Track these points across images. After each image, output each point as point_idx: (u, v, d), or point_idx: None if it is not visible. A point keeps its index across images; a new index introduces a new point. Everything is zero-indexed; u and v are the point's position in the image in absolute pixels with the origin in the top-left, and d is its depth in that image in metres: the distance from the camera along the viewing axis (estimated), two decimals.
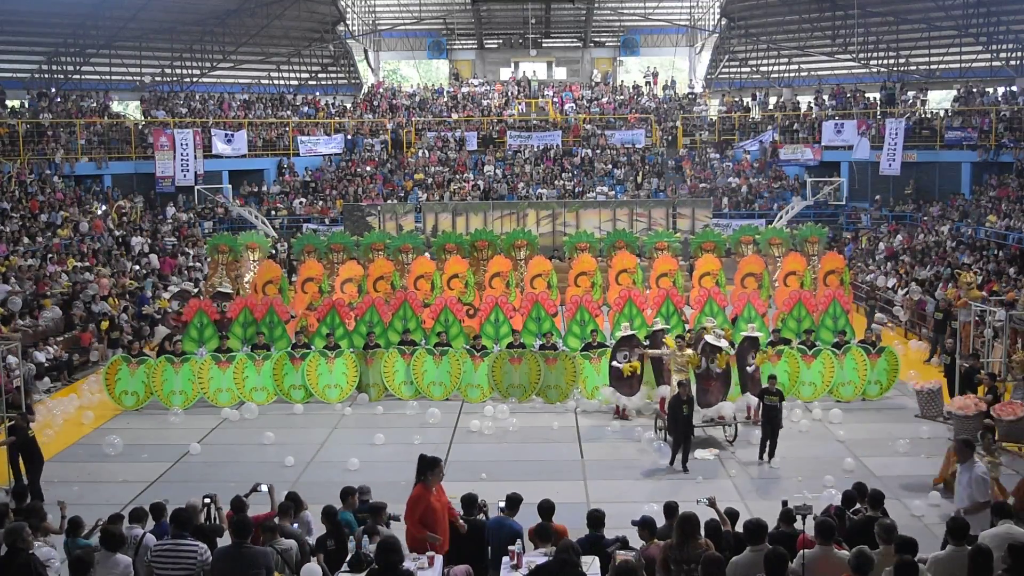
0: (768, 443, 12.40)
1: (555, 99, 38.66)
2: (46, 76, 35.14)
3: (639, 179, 32.70)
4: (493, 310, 17.24)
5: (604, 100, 38.96)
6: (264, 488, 8.61)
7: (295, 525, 8.22)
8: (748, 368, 14.03)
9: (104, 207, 27.22)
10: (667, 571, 6.74)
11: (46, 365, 17.00)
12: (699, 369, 13.41)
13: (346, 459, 12.51)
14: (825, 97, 36.05)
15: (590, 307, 17.23)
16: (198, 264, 25.12)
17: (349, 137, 35.95)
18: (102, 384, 15.89)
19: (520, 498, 8.10)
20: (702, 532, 6.93)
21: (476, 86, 40.67)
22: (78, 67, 35.66)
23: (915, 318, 20.45)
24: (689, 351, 13.59)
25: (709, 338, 13.55)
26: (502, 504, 8.10)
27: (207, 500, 8.47)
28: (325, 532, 8.04)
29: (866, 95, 35.46)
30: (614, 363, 14.62)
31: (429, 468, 7.65)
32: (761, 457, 12.42)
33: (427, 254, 20.28)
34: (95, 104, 33.93)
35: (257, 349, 16.35)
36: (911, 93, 34.43)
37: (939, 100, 36.94)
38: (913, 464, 12.29)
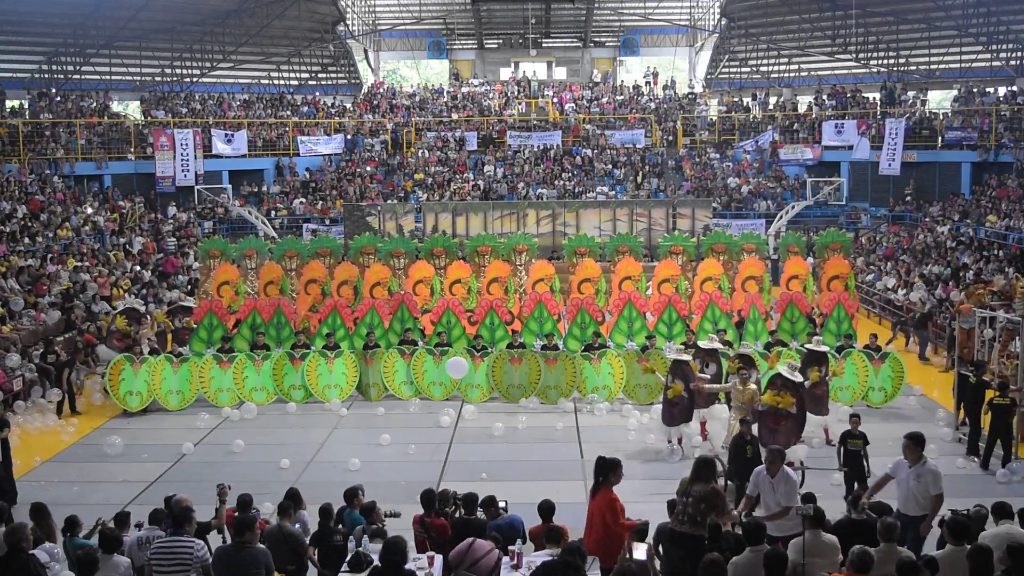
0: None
1: (555, 99, 38.66)
2: (46, 76, 35.14)
3: (639, 179, 32.70)
4: (488, 314, 17.18)
5: (604, 100, 38.95)
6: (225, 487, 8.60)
7: (297, 525, 8.23)
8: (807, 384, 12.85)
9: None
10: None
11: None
12: (763, 407, 11.87)
13: (346, 459, 12.52)
14: (825, 97, 36.05)
15: (591, 310, 17.21)
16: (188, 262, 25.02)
17: (349, 137, 35.94)
18: (107, 385, 15.80)
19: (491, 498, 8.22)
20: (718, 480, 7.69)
21: (476, 86, 40.66)
22: (78, 67, 35.66)
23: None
24: (752, 386, 12.14)
25: (783, 370, 12.08)
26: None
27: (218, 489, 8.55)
28: (319, 529, 8.08)
29: (866, 95, 35.46)
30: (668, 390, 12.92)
31: (611, 469, 7.76)
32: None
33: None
34: (95, 104, 33.94)
35: (257, 349, 16.37)
36: (911, 93, 34.42)
37: (939, 100, 36.94)
38: None
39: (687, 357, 13.26)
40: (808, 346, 13.96)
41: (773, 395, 11.85)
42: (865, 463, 10.75)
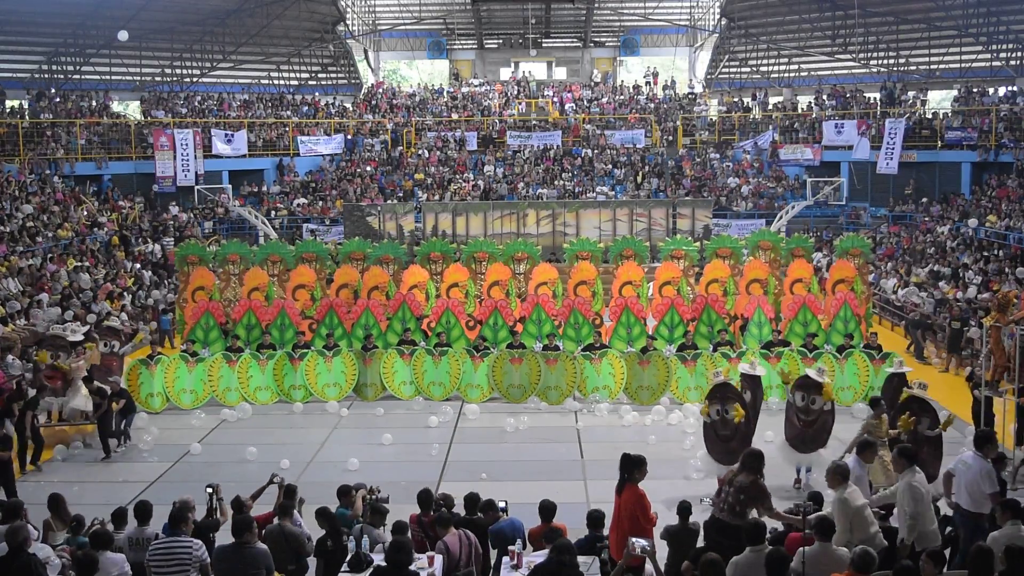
0: None
1: (555, 99, 38.65)
2: (46, 76, 35.13)
3: (639, 179, 32.69)
4: (492, 314, 17.13)
5: (604, 100, 38.95)
6: (279, 480, 8.82)
7: (299, 524, 8.22)
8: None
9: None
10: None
11: None
12: (905, 435, 10.08)
13: (346, 459, 12.52)
14: (825, 97, 36.05)
15: (584, 310, 17.18)
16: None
17: (349, 137, 35.93)
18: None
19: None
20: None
21: (476, 86, 40.66)
22: (78, 67, 35.65)
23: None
24: (905, 416, 10.18)
25: (916, 392, 10.52)
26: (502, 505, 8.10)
27: (209, 490, 8.54)
28: (324, 533, 8.04)
29: (866, 95, 35.44)
30: (706, 419, 11.22)
31: (636, 467, 7.71)
32: None
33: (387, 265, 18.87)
34: (95, 104, 33.93)
35: (263, 349, 16.39)
36: (911, 93, 34.42)
37: (939, 100, 36.93)
38: None
39: (760, 372, 11.56)
40: (890, 370, 12.40)
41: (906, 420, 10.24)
42: None
